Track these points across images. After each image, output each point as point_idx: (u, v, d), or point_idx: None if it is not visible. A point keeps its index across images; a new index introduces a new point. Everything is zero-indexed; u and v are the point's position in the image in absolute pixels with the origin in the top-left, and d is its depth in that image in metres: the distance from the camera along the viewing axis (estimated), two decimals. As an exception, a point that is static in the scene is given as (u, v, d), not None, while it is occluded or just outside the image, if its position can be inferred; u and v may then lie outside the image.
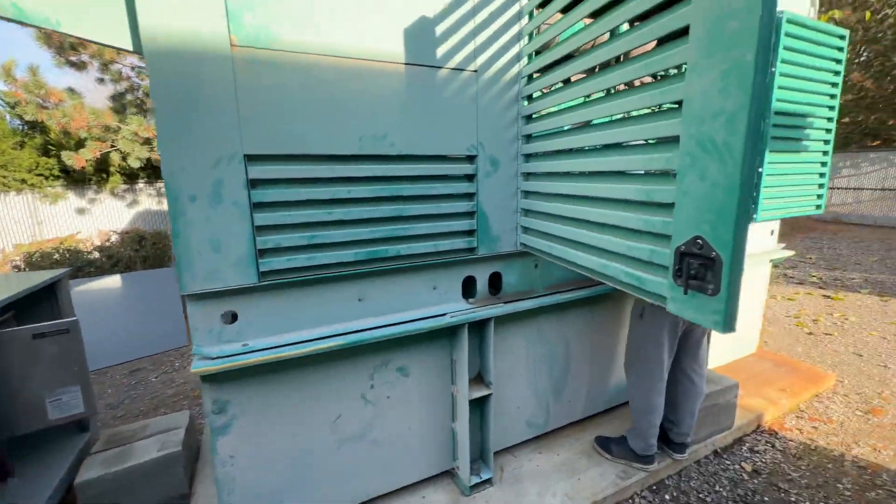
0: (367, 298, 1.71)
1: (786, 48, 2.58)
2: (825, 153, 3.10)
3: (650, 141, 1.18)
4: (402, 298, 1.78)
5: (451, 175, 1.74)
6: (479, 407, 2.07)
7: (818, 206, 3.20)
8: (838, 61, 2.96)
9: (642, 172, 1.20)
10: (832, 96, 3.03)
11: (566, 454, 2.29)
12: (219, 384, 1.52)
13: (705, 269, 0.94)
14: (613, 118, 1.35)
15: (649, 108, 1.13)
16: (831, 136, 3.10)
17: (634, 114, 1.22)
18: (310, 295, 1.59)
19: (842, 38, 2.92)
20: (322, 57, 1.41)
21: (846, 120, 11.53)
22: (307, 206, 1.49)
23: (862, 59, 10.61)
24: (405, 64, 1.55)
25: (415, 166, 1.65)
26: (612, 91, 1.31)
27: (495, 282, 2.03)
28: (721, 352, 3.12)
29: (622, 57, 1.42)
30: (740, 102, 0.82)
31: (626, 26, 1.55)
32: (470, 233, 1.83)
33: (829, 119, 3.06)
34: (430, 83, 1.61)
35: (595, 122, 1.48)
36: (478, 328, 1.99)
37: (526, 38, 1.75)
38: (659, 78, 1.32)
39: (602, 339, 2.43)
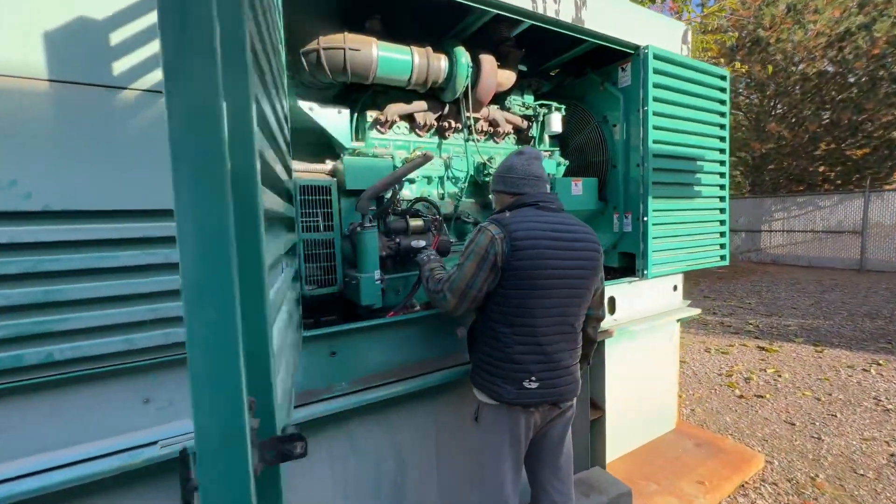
0: None
1: (656, 85, 2.32)
2: (722, 199, 2.83)
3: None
4: (77, 424, 1.17)
5: (159, 237, 1.22)
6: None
7: (722, 257, 2.87)
8: (723, 102, 2.76)
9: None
10: (721, 139, 2.80)
11: None
12: None
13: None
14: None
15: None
16: (726, 181, 2.84)
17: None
18: None
19: (723, 78, 2.74)
20: None
21: (772, 166, 12.15)
22: None
23: (778, 111, 11.36)
24: (50, 81, 1.06)
25: (83, 227, 1.11)
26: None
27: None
28: (633, 432, 2.59)
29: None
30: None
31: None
32: (203, 318, 1.28)
33: (722, 163, 2.82)
34: (104, 109, 1.12)
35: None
36: (234, 452, 1.38)
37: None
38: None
39: (455, 443, 1.85)
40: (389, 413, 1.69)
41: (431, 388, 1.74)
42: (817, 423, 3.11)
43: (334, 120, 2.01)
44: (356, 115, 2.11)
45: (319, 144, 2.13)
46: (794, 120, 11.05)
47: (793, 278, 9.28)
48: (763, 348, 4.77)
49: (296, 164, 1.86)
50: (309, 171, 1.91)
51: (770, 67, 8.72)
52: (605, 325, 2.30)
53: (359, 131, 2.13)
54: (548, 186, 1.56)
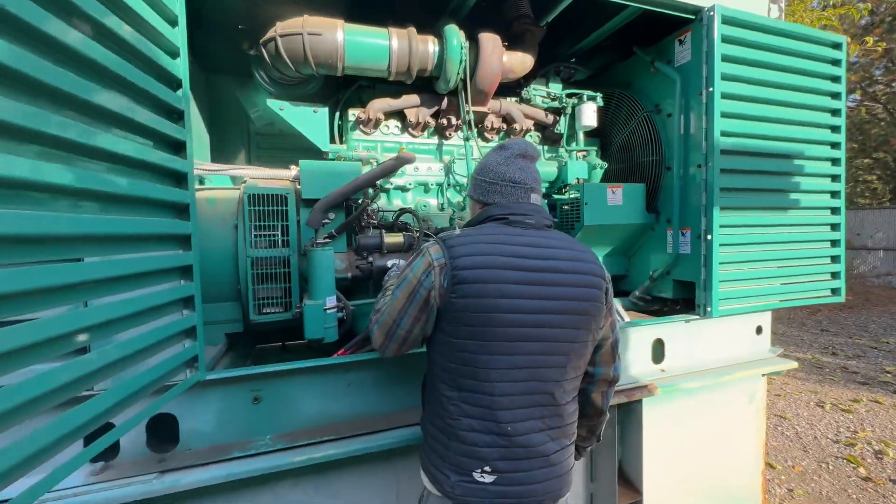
0: None
1: (726, 58, 1.72)
2: (834, 211, 2.06)
3: None
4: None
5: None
6: None
7: (834, 291, 2.08)
8: (836, 79, 2.01)
9: None
10: (834, 128, 2.05)
11: None
12: None
13: None
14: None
15: None
16: (840, 186, 2.07)
17: None
18: None
19: (836, 46, 2.01)
20: None
21: (925, 169, 9.68)
22: None
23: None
24: None
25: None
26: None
27: (173, 429, 1.21)
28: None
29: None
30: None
31: None
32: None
33: (834, 161, 2.06)
34: None
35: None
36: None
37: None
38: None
39: (420, 517, 1.46)
40: (331, 477, 1.35)
41: (392, 451, 1.38)
42: None
43: (309, 120, 1.77)
44: (338, 113, 1.85)
45: (302, 150, 1.90)
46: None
47: (957, 312, 7.18)
48: (907, 409, 3.58)
49: (254, 171, 1.65)
50: (275, 179, 1.68)
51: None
52: (646, 377, 1.73)
53: (342, 133, 1.87)
54: (535, 196, 1.12)
